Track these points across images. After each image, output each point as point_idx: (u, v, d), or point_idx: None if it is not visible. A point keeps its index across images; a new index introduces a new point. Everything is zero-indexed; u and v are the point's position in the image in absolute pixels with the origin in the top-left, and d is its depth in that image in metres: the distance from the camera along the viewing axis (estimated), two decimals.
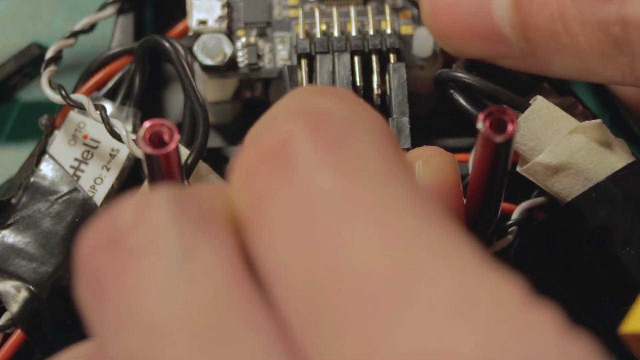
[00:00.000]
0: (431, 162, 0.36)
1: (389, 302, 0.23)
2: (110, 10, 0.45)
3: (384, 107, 0.41)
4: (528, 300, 0.24)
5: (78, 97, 0.41)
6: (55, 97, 0.41)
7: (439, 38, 0.41)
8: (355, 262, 0.24)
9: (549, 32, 0.37)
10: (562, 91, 0.41)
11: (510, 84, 0.41)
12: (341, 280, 0.24)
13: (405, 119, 0.40)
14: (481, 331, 0.23)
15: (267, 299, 0.25)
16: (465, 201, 0.39)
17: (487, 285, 0.24)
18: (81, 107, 0.40)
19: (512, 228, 0.40)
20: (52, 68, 0.42)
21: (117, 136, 0.40)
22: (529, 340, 0.23)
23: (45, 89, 0.41)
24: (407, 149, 0.40)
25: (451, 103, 0.40)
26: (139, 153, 0.40)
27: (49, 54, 0.43)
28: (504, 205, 0.39)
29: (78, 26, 0.44)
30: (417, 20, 0.44)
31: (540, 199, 0.40)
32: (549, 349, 0.23)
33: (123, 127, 0.40)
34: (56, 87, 0.41)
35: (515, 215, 0.40)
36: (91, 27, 0.44)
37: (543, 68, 0.39)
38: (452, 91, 0.40)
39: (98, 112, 0.40)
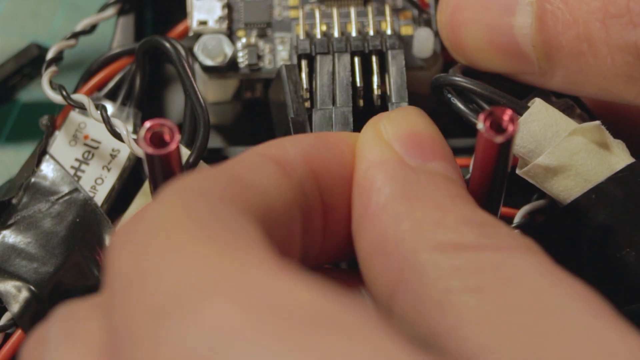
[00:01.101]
0: (394, 117, 0.35)
1: None
2: (111, 11, 0.45)
3: (384, 108, 0.41)
4: None
5: (79, 97, 0.41)
6: (56, 98, 0.41)
7: (456, 51, 0.41)
8: None
9: (574, 52, 0.37)
10: (560, 93, 0.41)
11: (508, 87, 0.41)
12: None
13: (405, 104, 0.40)
14: None
15: None
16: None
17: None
18: (82, 107, 0.41)
19: (515, 232, 0.40)
20: (53, 69, 0.42)
21: (118, 136, 0.40)
22: None
23: (46, 89, 0.41)
24: None
25: (449, 107, 0.40)
26: (140, 152, 0.40)
27: (49, 55, 0.43)
28: (505, 210, 0.39)
29: (79, 27, 0.44)
30: (417, 21, 0.45)
31: (541, 202, 0.40)
32: None
33: (124, 127, 0.40)
34: (57, 87, 0.41)
35: (517, 219, 0.40)
36: (92, 28, 0.44)
37: (560, 86, 0.39)
38: (449, 95, 0.40)
39: (99, 112, 0.40)
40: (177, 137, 0.33)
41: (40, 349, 0.29)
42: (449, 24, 0.40)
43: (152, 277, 0.26)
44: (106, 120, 0.40)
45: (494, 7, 0.39)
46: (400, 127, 0.34)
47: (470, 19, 0.39)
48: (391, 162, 0.33)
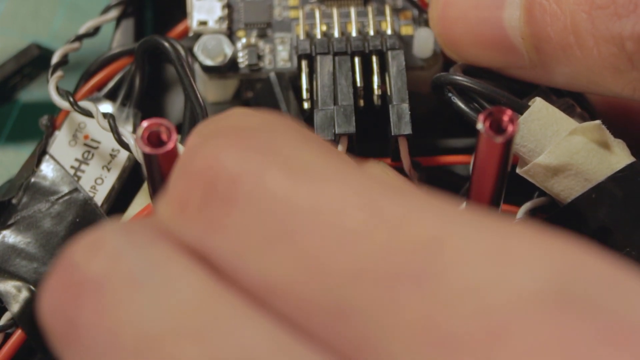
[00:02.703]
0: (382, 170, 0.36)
1: (427, 277, 0.22)
2: (114, 13, 0.45)
3: (384, 108, 0.41)
4: (550, 233, 0.23)
5: (86, 104, 0.41)
6: (63, 104, 0.41)
7: (447, 46, 0.41)
8: (363, 252, 0.23)
9: (561, 44, 0.37)
10: (561, 92, 0.41)
11: (509, 86, 0.41)
12: (360, 272, 0.23)
13: (405, 105, 0.40)
14: (534, 268, 0.22)
15: (251, 297, 0.24)
16: (466, 202, 0.39)
17: (512, 230, 0.23)
18: (89, 115, 0.40)
19: None
20: (59, 74, 0.42)
21: (125, 146, 0.40)
22: (586, 265, 0.22)
23: (53, 95, 0.41)
24: (407, 135, 0.40)
25: (449, 106, 0.40)
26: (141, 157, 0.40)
27: (55, 59, 0.43)
28: (506, 207, 0.39)
29: (82, 30, 0.44)
30: (417, 21, 0.45)
31: (543, 199, 0.40)
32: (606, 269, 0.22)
33: (131, 137, 0.40)
34: (64, 93, 0.41)
35: (519, 216, 0.40)
36: (95, 31, 0.44)
37: (551, 79, 0.39)
38: (449, 94, 0.40)
39: (106, 120, 0.40)
40: (175, 136, 0.33)
41: (115, 270, 0.25)
42: (440, 20, 0.40)
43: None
44: (114, 129, 0.40)
45: (483, 1, 0.39)
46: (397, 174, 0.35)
47: (461, 13, 0.40)
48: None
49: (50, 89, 0.41)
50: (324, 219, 0.23)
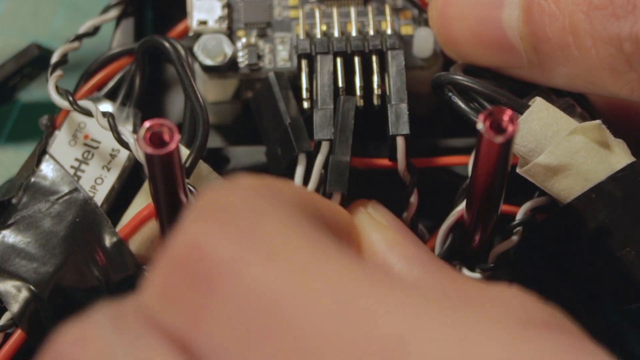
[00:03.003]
0: (374, 206, 0.36)
1: None
2: (114, 12, 0.45)
3: (384, 108, 0.41)
4: (523, 323, 0.24)
5: (85, 103, 0.41)
6: (62, 103, 0.41)
7: (447, 46, 0.41)
8: (344, 350, 0.23)
9: (559, 44, 0.37)
10: (561, 92, 0.41)
11: (509, 86, 0.41)
12: None
13: (404, 105, 0.40)
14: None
15: None
16: (465, 202, 0.39)
17: (475, 326, 0.24)
18: (89, 114, 0.40)
19: (517, 229, 0.40)
20: (58, 73, 0.42)
21: (125, 144, 0.40)
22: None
23: (52, 94, 0.41)
24: (406, 135, 0.40)
25: (449, 106, 0.40)
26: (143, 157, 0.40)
27: (54, 58, 0.43)
28: (506, 207, 0.39)
29: (82, 29, 0.44)
30: (417, 21, 0.45)
31: (543, 199, 0.40)
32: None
33: (131, 135, 0.40)
34: (63, 92, 0.41)
35: (519, 216, 0.40)
36: (95, 30, 0.44)
37: (549, 79, 0.39)
38: (450, 94, 0.40)
39: (106, 119, 0.40)
40: (177, 136, 0.33)
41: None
42: (439, 19, 0.40)
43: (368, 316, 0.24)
44: (113, 128, 0.40)
45: (482, 0, 0.39)
46: (385, 214, 0.35)
47: (460, 13, 0.40)
48: (402, 244, 0.33)
49: (49, 88, 0.41)
50: (298, 316, 0.23)
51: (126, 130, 0.40)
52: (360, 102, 0.42)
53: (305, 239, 0.25)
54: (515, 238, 0.40)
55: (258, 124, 0.43)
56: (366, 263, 0.26)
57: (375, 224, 0.34)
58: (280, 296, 0.24)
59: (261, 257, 0.24)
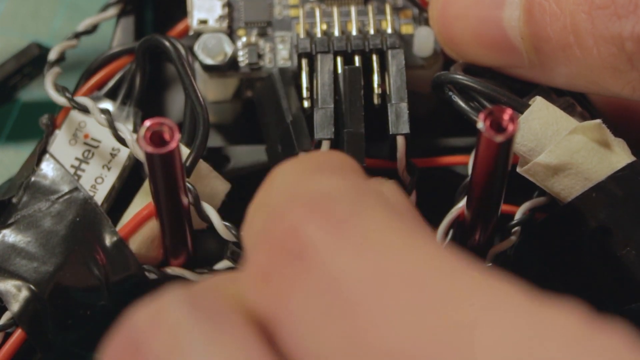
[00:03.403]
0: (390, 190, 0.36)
1: None
2: (113, 11, 0.45)
3: (384, 107, 0.41)
4: (592, 323, 0.24)
5: (83, 100, 0.41)
6: (59, 100, 0.41)
7: (447, 45, 0.41)
8: (404, 334, 0.24)
9: (561, 44, 0.37)
10: (561, 91, 0.41)
11: (509, 85, 0.41)
12: (397, 355, 0.24)
13: (404, 105, 0.40)
14: None
15: None
16: (466, 201, 0.39)
17: (547, 322, 0.24)
18: (85, 111, 0.40)
19: (516, 228, 0.40)
20: (56, 70, 0.42)
21: (122, 141, 0.40)
22: None
23: (49, 91, 0.41)
24: (406, 135, 0.40)
25: (450, 105, 0.40)
26: (143, 157, 0.40)
27: (52, 56, 0.43)
28: (505, 207, 0.39)
29: (80, 27, 0.44)
30: (417, 20, 0.45)
31: (542, 199, 0.40)
32: None
33: (128, 132, 0.40)
34: (61, 89, 0.41)
35: (518, 216, 0.40)
36: (93, 28, 0.44)
37: (550, 79, 0.39)
38: (450, 93, 0.40)
39: (103, 116, 0.40)
40: (177, 136, 0.33)
41: (173, 345, 0.25)
42: (440, 18, 0.40)
43: (440, 308, 0.24)
44: (111, 125, 0.40)
45: (483, 0, 0.39)
46: (399, 196, 0.35)
47: (461, 12, 0.40)
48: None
49: (47, 84, 0.41)
50: (382, 299, 0.25)
51: (123, 126, 0.40)
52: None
53: (393, 228, 0.26)
54: (513, 238, 0.40)
55: (260, 119, 0.43)
56: (446, 249, 0.26)
57: (394, 196, 0.34)
58: (360, 285, 0.25)
59: (351, 247, 0.26)
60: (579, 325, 0.24)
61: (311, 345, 0.25)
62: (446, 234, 0.41)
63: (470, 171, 0.41)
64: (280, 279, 0.26)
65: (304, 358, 0.25)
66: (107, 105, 0.43)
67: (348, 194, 0.27)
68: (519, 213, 0.40)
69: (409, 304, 0.24)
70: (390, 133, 0.40)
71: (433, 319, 0.24)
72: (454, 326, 0.24)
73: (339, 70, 0.41)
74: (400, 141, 0.40)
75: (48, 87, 0.41)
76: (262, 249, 0.27)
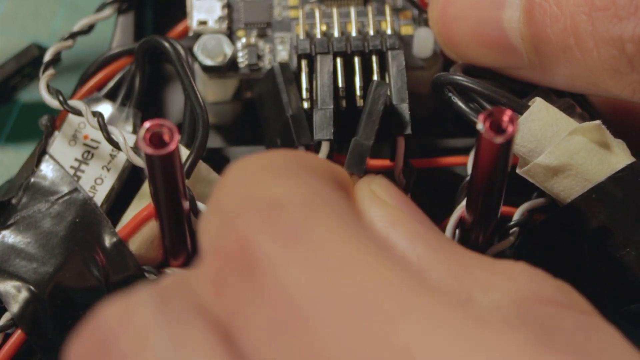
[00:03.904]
0: (379, 182, 0.36)
1: None
2: (109, 11, 0.45)
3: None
4: (535, 349, 0.24)
5: (76, 103, 0.41)
6: (53, 103, 0.41)
7: (447, 46, 0.41)
8: (348, 352, 0.24)
9: (561, 45, 0.37)
10: (561, 92, 0.41)
11: (509, 86, 0.41)
12: None
13: (405, 105, 0.40)
14: None
15: None
16: (465, 202, 0.39)
17: (485, 345, 0.24)
18: (79, 114, 0.40)
19: (514, 229, 0.40)
20: (50, 72, 0.42)
21: (115, 144, 0.40)
22: None
23: (43, 94, 0.41)
24: (408, 135, 0.40)
25: (449, 106, 0.40)
26: (137, 160, 0.40)
27: (47, 57, 0.43)
28: (504, 208, 0.39)
29: (76, 27, 0.44)
30: (417, 21, 0.45)
31: (541, 200, 0.40)
32: None
33: (121, 135, 0.40)
34: (54, 92, 0.41)
35: (516, 217, 0.40)
36: (90, 28, 0.44)
37: (550, 80, 0.39)
38: (450, 94, 0.40)
39: (96, 119, 0.40)
40: (177, 137, 0.33)
41: (136, 338, 0.26)
42: (440, 19, 0.40)
43: (391, 321, 0.25)
44: (103, 128, 0.40)
45: (483, 1, 0.39)
46: (391, 191, 0.35)
47: (461, 13, 0.40)
48: (406, 222, 0.33)
49: (40, 87, 0.41)
50: (329, 316, 0.25)
51: (117, 130, 0.40)
52: (360, 103, 0.41)
53: (345, 241, 0.27)
54: (511, 239, 0.40)
55: (259, 114, 0.43)
56: (399, 263, 0.26)
57: (377, 202, 0.34)
58: (309, 298, 0.25)
59: (301, 259, 0.26)
60: (520, 350, 0.24)
61: (263, 356, 0.25)
62: (453, 234, 0.41)
63: (469, 171, 0.41)
64: (232, 291, 0.26)
65: None
66: (107, 106, 0.43)
67: (301, 202, 0.27)
68: (517, 214, 0.40)
69: (355, 323, 0.25)
70: (392, 134, 0.40)
71: (376, 339, 0.24)
72: (397, 349, 0.24)
73: (339, 70, 0.41)
74: (400, 143, 0.40)
75: (42, 91, 0.41)
76: (215, 256, 0.27)
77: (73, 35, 0.44)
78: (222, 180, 0.30)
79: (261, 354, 0.25)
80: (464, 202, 0.40)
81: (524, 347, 0.24)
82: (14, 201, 0.41)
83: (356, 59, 0.42)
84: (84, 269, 0.40)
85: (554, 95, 0.41)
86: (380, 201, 0.33)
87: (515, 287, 0.28)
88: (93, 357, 0.26)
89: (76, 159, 0.42)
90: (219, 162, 0.43)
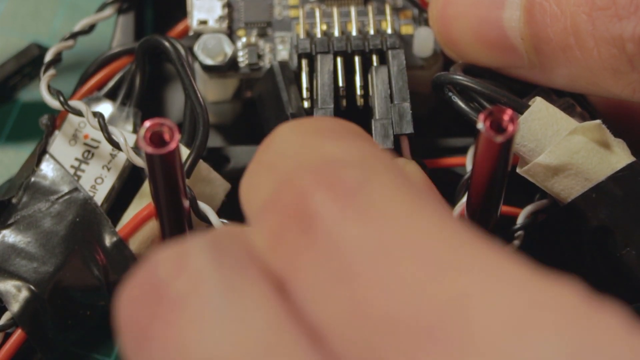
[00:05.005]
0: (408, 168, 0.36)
1: (449, 336, 0.23)
2: (109, 10, 0.45)
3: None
4: (589, 301, 0.24)
5: (76, 103, 0.41)
6: (53, 103, 0.41)
7: (447, 45, 0.41)
8: (401, 303, 0.24)
9: (561, 45, 0.37)
10: (561, 92, 0.41)
11: (509, 86, 0.41)
12: (394, 323, 0.24)
13: (407, 105, 0.40)
14: (551, 343, 0.23)
15: (312, 334, 0.25)
16: (466, 201, 0.39)
17: (544, 295, 0.24)
18: (79, 114, 0.40)
19: (519, 233, 0.40)
20: (51, 72, 0.42)
21: (115, 144, 0.40)
22: (602, 346, 0.23)
23: (44, 94, 0.41)
24: (409, 134, 0.40)
25: (449, 106, 0.40)
26: (138, 161, 0.40)
27: (47, 57, 0.43)
28: (505, 208, 0.39)
29: (77, 27, 0.44)
30: (417, 20, 0.45)
31: (544, 201, 0.40)
32: (623, 352, 0.23)
33: (121, 135, 0.40)
34: (55, 92, 0.41)
35: (520, 220, 0.40)
36: (90, 28, 0.44)
37: (550, 80, 0.39)
38: (450, 94, 0.40)
39: (96, 119, 0.40)
40: (177, 136, 0.33)
41: (194, 289, 0.26)
42: (440, 18, 0.40)
43: (435, 276, 0.25)
44: (103, 128, 0.40)
45: (483, 0, 0.39)
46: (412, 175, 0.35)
47: (461, 12, 0.40)
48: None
49: (41, 87, 0.41)
50: (382, 268, 0.25)
51: (117, 130, 0.40)
52: (361, 102, 0.42)
53: (401, 196, 0.27)
54: (517, 242, 0.40)
55: (259, 114, 0.43)
56: (453, 219, 0.26)
57: (418, 173, 0.34)
58: (361, 252, 0.25)
59: (356, 216, 0.26)
60: (577, 302, 0.24)
61: (317, 310, 0.26)
62: None
63: (468, 169, 0.41)
64: (289, 245, 0.27)
65: (312, 321, 0.26)
66: (107, 105, 0.43)
67: (356, 160, 0.28)
68: (522, 217, 0.40)
69: (409, 274, 0.25)
70: (394, 133, 0.40)
71: (432, 289, 0.24)
72: (452, 297, 0.24)
73: (339, 70, 0.41)
74: (404, 142, 0.40)
75: (43, 90, 0.41)
76: (272, 213, 0.27)
77: (74, 35, 0.44)
78: (268, 140, 0.30)
79: (312, 306, 0.26)
80: (463, 200, 0.40)
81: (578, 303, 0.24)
82: (14, 200, 0.41)
83: (356, 59, 0.42)
84: (85, 269, 0.40)
85: (554, 95, 0.41)
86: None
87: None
88: (146, 300, 0.26)
89: (76, 159, 0.42)
90: (219, 161, 0.44)
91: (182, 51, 0.42)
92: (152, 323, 0.26)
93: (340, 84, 0.41)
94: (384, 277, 0.25)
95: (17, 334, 0.39)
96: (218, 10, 0.44)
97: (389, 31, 0.44)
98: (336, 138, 0.29)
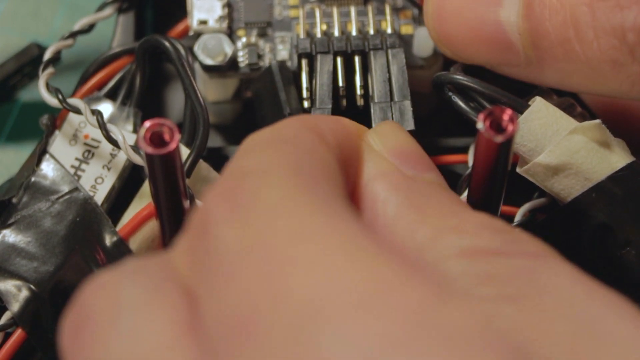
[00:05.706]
0: (380, 131, 0.36)
1: (300, 330, 0.25)
2: (109, 10, 0.45)
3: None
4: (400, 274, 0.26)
5: (75, 101, 0.41)
6: (52, 101, 0.41)
7: (442, 43, 0.41)
8: (252, 301, 0.26)
9: (560, 38, 0.37)
10: (561, 92, 0.41)
11: (509, 86, 0.41)
12: (251, 322, 0.26)
13: (407, 102, 0.40)
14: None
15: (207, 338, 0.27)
16: (466, 201, 0.39)
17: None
18: (78, 112, 0.40)
19: None
20: (49, 70, 0.42)
21: (114, 142, 0.40)
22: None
23: (42, 92, 0.41)
24: (411, 131, 0.40)
25: (449, 106, 0.40)
26: (136, 159, 0.40)
27: (47, 56, 0.43)
28: (505, 208, 0.39)
29: (77, 27, 0.44)
30: (417, 20, 0.45)
31: (542, 200, 0.40)
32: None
33: (120, 133, 0.40)
34: (53, 90, 0.41)
35: (517, 217, 0.40)
36: (90, 28, 0.44)
37: (545, 77, 0.39)
38: (450, 94, 0.40)
39: (95, 117, 0.40)
40: (177, 136, 0.33)
41: (110, 308, 0.29)
42: (435, 16, 0.40)
43: (286, 269, 0.26)
44: (102, 126, 0.40)
45: None
46: (389, 140, 0.35)
47: (457, 9, 0.39)
48: (390, 173, 0.33)
49: (40, 86, 0.41)
50: (245, 267, 0.27)
51: (116, 128, 0.40)
52: (360, 102, 0.42)
53: (283, 203, 0.28)
54: None
55: (257, 113, 0.43)
56: (345, 223, 0.28)
57: (370, 152, 0.34)
58: (232, 252, 0.27)
59: (237, 218, 0.28)
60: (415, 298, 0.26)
61: (203, 310, 0.27)
62: None
63: (470, 164, 0.41)
64: (195, 256, 0.29)
65: (205, 321, 0.27)
66: (107, 105, 0.43)
67: (262, 171, 0.29)
68: (519, 215, 0.40)
69: (265, 272, 0.27)
70: None
71: (278, 287, 0.26)
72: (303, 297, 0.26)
73: (339, 70, 0.41)
74: None
75: (41, 89, 0.41)
76: (186, 233, 0.30)
77: (73, 35, 0.44)
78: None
79: (206, 313, 0.27)
80: (463, 196, 0.40)
81: (423, 298, 0.26)
82: (14, 200, 0.41)
83: (356, 58, 0.42)
84: (85, 268, 0.40)
85: (555, 95, 0.41)
86: (373, 153, 0.34)
87: (462, 241, 0.29)
88: (74, 331, 0.29)
89: (77, 158, 0.42)
90: (219, 161, 0.43)
91: (182, 51, 0.42)
92: (74, 345, 0.29)
93: (340, 83, 0.41)
94: (246, 276, 0.27)
95: (17, 334, 0.39)
96: (218, 10, 0.44)
97: (389, 31, 0.44)
98: (261, 150, 0.30)
